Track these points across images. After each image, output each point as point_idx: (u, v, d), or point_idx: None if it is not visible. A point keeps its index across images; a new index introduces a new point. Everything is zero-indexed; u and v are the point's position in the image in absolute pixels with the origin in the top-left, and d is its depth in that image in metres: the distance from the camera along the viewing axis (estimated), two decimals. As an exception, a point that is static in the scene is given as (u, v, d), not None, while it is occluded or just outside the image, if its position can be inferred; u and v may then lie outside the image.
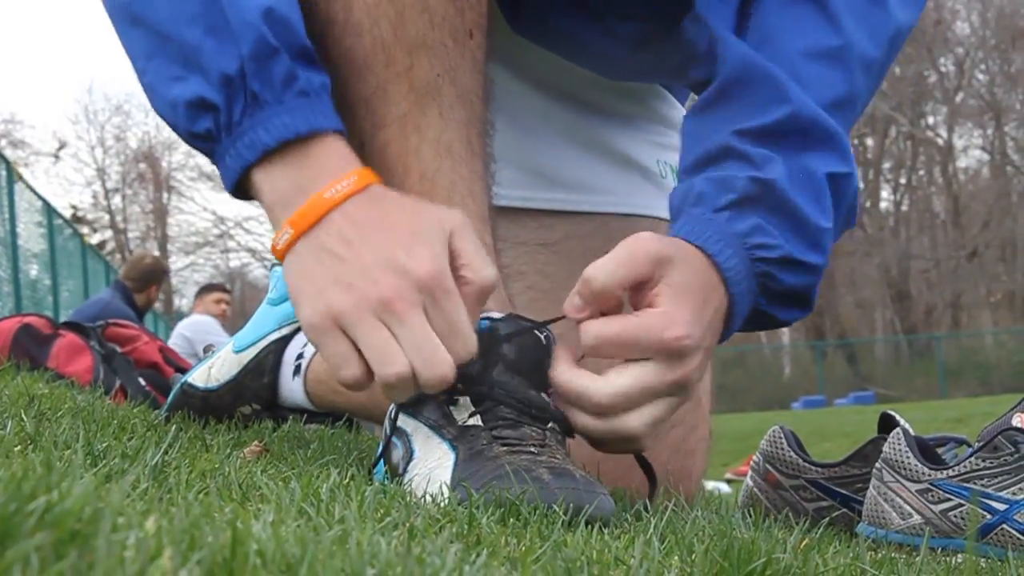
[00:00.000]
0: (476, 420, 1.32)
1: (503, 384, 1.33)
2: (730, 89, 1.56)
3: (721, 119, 1.54)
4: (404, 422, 1.38)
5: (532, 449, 1.28)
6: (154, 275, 8.41)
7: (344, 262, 1.27)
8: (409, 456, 1.35)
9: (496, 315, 1.36)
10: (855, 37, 1.61)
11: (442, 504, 1.14)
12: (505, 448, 1.28)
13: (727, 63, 1.57)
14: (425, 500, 1.19)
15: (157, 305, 8.90)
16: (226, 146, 1.34)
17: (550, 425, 1.34)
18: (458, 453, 1.29)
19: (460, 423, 1.32)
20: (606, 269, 1.35)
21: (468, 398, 1.33)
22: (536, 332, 1.36)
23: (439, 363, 1.25)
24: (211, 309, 9.36)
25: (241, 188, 1.37)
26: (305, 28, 1.35)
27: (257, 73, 1.31)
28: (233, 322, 9.54)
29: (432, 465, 1.31)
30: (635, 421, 1.36)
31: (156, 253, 35.47)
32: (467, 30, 1.45)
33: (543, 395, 1.36)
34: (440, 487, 1.26)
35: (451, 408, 1.33)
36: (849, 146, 1.58)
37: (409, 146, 1.40)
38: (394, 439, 1.39)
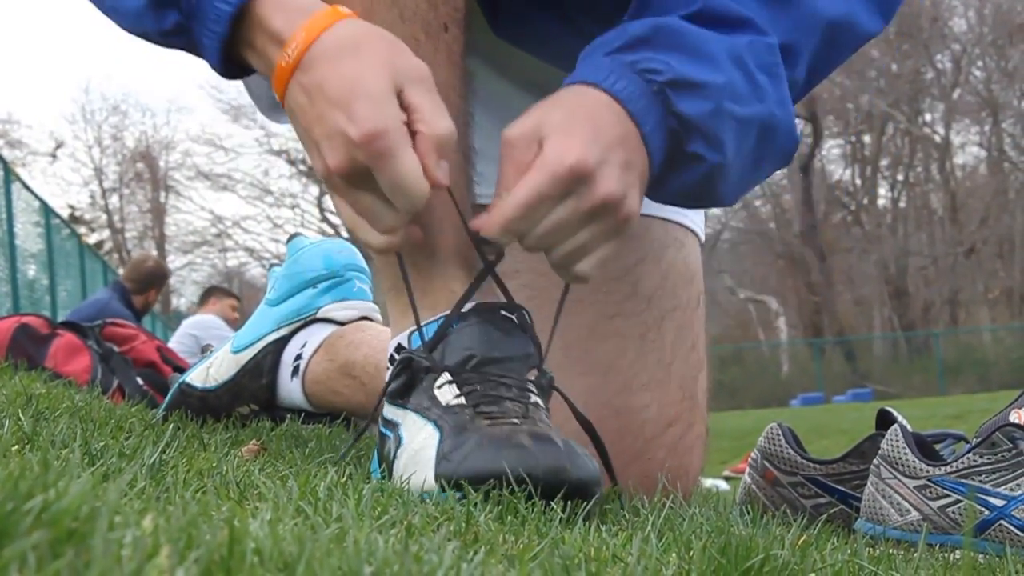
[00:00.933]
0: (460, 400, 1.33)
1: (481, 371, 1.34)
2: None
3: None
4: (394, 413, 1.39)
5: (515, 420, 1.29)
6: (155, 278, 8.37)
7: (306, 132, 1.32)
8: (398, 443, 1.36)
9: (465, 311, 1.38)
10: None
11: (439, 502, 1.14)
12: (488, 422, 1.29)
13: None
14: (423, 498, 1.19)
15: (155, 305, 8.85)
16: (199, 31, 1.37)
17: (532, 401, 1.35)
18: (443, 431, 1.30)
19: (444, 404, 1.33)
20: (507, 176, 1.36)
21: (454, 383, 1.34)
22: (507, 313, 1.39)
23: (370, 233, 1.33)
24: (227, 314, 9.27)
25: (233, 65, 1.40)
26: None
27: None
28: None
29: (418, 446, 1.32)
30: (584, 266, 1.40)
31: (155, 253, 35.42)
32: (441, 24, 1.45)
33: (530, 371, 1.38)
34: (426, 465, 1.27)
35: (436, 392, 1.34)
36: (767, 32, 1.54)
37: None
38: (386, 431, 1.40)
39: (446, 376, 1.35)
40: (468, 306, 1.38)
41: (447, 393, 1.34)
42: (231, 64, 1.39)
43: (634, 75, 1.43)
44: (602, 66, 1.44)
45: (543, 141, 1.35)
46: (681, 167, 1.49)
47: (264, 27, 1.33)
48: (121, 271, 9.16)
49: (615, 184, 1.36)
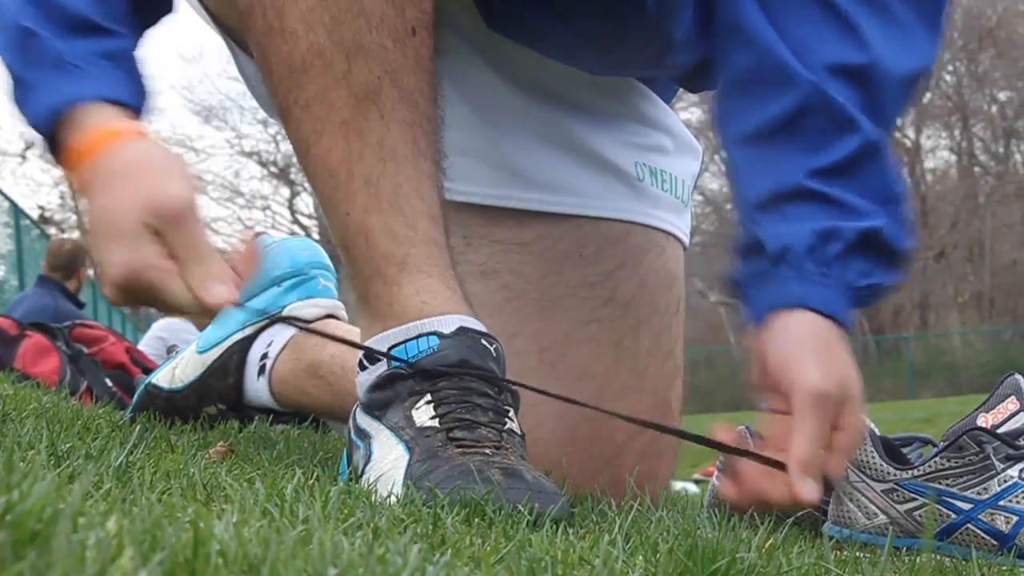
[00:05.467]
0: (435, 423, 1.32)
1: (460, 386, 1.33)
2: (796, 120, 1.51)
3: (787, 151, 1.51)
4: (368, 424, 1.38)
5: (487, 450, 1.29)
6: (78, 257, 8.19)
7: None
8: (368, 457, 1.35)
9: (446, 331, 1.36)
10: (882, 55, 1.53)
11: (406, 504, 1.14)
12: (460, 449, 1.28)
13: (796, 87, 1.51)
14: (390, 501, 1.19)
15: (127, 308, 8.61)
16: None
17: (507, 427, 1.34)
18: (412, 454, 1.30)
19: (418, 425, 1.32)
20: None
21: (432, 404, 1.33)
22: (484, 342, 1.38)
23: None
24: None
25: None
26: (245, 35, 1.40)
27: (22, 61, 1.38)
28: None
29: (387, 467, 1.31)
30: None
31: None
32: (408, 28, 1.43)
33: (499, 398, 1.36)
34: (392, 487, 1.26)
35: (414, 412, 1.33)
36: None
37: (352, 151, 1.39)
38: (357, 440, 1.39)
39: (427, 397, 1.34)
40: (453, 327, 1.37)
41: (423, 414, 1.33)
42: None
43: (851, 294, 1.50)
44: (827, 289, 1.49)
45: (845, 406, 1.46)
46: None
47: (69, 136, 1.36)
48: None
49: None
